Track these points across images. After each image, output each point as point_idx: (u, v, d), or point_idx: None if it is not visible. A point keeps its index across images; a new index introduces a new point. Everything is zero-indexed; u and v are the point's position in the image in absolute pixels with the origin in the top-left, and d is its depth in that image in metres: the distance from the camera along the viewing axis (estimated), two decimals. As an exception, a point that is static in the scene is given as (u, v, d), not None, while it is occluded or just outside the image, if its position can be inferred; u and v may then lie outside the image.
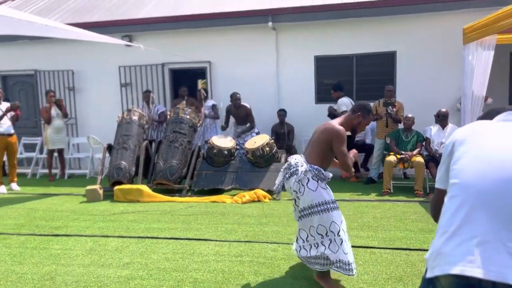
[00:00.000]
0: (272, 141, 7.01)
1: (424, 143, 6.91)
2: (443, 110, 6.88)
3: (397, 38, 7.98)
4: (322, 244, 3.30)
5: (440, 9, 7.52)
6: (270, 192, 6.61)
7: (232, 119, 8.04)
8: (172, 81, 9.29)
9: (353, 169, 3.53)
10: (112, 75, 9.28)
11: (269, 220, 5.39)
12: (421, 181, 6.49)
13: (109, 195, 6.86)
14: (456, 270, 1.45)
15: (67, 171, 8.96)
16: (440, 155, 6.65)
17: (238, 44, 8.72)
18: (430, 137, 6.92)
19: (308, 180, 3.29)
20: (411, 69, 7.95)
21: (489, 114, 1.89)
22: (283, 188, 3.55)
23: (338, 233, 3.27)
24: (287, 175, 3.43)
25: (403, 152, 6.76)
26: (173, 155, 7.01)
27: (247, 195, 6.41)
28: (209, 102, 8.38)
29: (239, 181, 6.83)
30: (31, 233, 5.11)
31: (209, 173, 7.01)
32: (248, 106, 7.82)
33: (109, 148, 7.40)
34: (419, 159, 6.59)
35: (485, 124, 1.74)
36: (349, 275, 3.29)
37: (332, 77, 8.58)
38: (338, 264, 3.28)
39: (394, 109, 7.22)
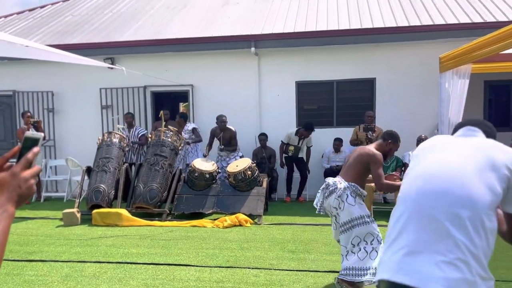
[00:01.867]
0: (254, 165, 7.01)
1: (403, 168, 7.02)
2: (423, 135, 7.03)
3: (377, 66, 8.19)
4: (353, 252, 3.63)
5: (418, 38, 7.78)
6: (251, 216, 6.56)
7: (216, 142, 8.03)
8: (153, 104, 9.26)
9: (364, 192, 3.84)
10: (93, 97, 9.20)
11: (250, 245, 5.33)
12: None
13: (87, 219, 6.69)
14: (389, 276, 1.59)
15: (44, 194, 8.73)
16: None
17: (221, 68, 8.80)
18: (409, 162, 7.01)
19: (347, 196, 3.63)
20: (390, 96, 8.14)
21: (455, 129, 1.98)
22: (321, 207, 3.85)
23: (371, 241, 3.62)
24: (326, 194, 3.76)
25: (383, 176, 6.84)
26: (153, 178, 6.92)
27: (229, 219, 6.35)
28: (189, 126, 8.36)
29: (221, 205, 6.77)
30: (4, 258, 4.91)
31: (190, 197, 6.93)
32: (233, 129, 7.84)
33: (88, 170, 7.27)
34: (399, 183, 6.66)
35: (440, 139, 1.84)
36: (371, 281, 3.55)
37: (313, 102, 8.70)
38: (365, 272, 3.59)
39: (374, 134, 7.34)
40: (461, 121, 1.97)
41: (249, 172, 6.81)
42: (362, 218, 3.63)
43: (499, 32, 5.32)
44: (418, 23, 7.86)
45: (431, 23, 7.80)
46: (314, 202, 3.90)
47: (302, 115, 8.66)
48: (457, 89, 6.71)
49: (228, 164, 7.45)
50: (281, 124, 8.56)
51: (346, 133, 8.05)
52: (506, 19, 7.37)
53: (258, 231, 6.00)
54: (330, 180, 3.82)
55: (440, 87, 7.01)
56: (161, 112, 7.85)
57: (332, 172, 8.01)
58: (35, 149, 1.06)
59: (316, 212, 3.91)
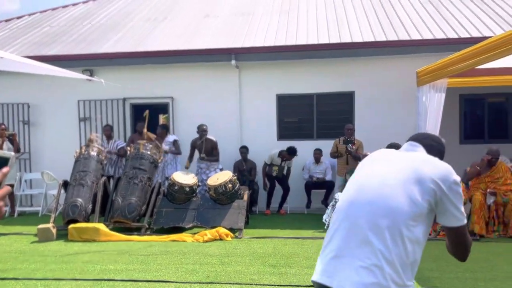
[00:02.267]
0: (235, 178, 6.97)
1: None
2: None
3: (356, 79, 8.30)
4: None
5: (395, 53, 7.94)
6: (232, 230, 6.50)
7: (196, 154, 7.97)
8: (133, 116, 9.15)
9: None
10: (71, 109, 9.04)
11: (231, 259, 5.27)
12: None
13: (63, 234, 6.51)
14: (317, 278, 1.75)
15: (18, 209, 8.48)
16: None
17: (201, 80, 8.78)
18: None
19: None
20: (368, 109, 8.25)
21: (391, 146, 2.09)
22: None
23: None
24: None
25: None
26: (132, 192, 6.80)
27: (209, 233, 6.27)
28: (170, 138, 8.29)
29: (201, 218, 6.69)
30: (-26, 277, 4.72)
31: (169, 211, 6.83)
32: (214, 139, 7.80)
33: (65, 184, 7.10)
34: None
35: (382, 152, 1.96)
36: None
37: (294, 115, 8.75)
38: None
39: (354, 147, 7.41)
40: (411, 136, 2.05)
41: (230, 185, 6.77)
42: None
43: (474, 48, 5.47)
44: (395, 38, 8.03)
45: (408, 38, 7.98)
46: (324, 218, 3.87)
47: (282, 128, 8.69)
48: (434, 103, 6.86)
49: (209, 177, 7.39)
50: (262, 136, 8.57)
51: (326, 145, 8.10)
52: (480, 35, 7.59)
53: (239, 245, 5.94)
54: (338, 195, 3.86)
55: (417, 101, 7.15)
56: (146, 111, 7.73)
57: (313, 184, 8.04)
58: (4, 170, 1.02)
59: (325, 228, 3.86)
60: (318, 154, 8.10)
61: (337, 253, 1.72)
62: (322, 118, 8.55)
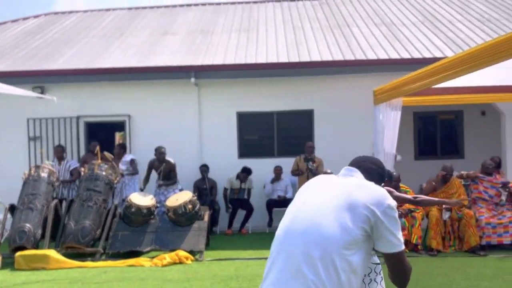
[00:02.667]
0: (195, 198, 6.79)
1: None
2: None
3: (315, 98, 8.41)
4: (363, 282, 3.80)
5: (353, 72, 8.13)
6: (192, 252, 6.30)
7: (154, 175, 7.72)
8: (87, 135, 8.78)
9: None
10: (19, 127, 8.55)
11: (192, 284, 5.07)
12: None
13: (9, 263, 6.05)
14: None
15: (-42, 235, 7.84)
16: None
17: (159, 98, 8.59)
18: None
19: None
20: (327, 127, 8.35)
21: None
22: None
23: (379, 272, 3.69)
24: None
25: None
26: (86, 215, 6.46)
27: (168, 257, 6.04)
28: (127, 157, 8.00)
29: (159, 241, 6.45)
30: None
31: (126, 234, 6.53)
32: (172, 161, 7.59)
33: (12, 208, 6.65)
34: None
35: (318, 179, 1.92)
36: None
37: (254, 132, 8.72)
38: None
39: (314, 165, 7.44)
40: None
41: (190, 206, 6.58)
42: None
43: (427, 68, 5.67)
44: (352, 58, 8.23)
45: (364, 58, 8.20)
46: None
47: (243, 146, 8.63)
48: (390, 120, 7.04)
49: (167, 197, 7.14)
50: (223, 154, 8.45)
51: (287, 163, 8.09)
52: (431, 56, 7.92)
53: (199, 268, 5.75)
54: None
55: (374, 119, 7.32)
56: (97, 148, 7.42)
57: (274, 202, 7.98)
58: None
59: None
60: (278, 170, 8.09)
61: (275, 286, 1.69)
62: (283, 136, 8.57)
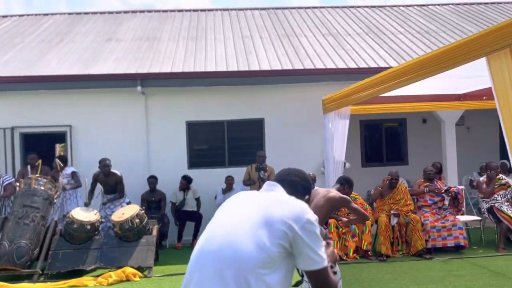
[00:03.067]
0: (143, 211, 6.49)
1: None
2: (311, 174, 7.25)
3: (265, 106, 8.39)
4: None
5: (302, 81, 8.20)
6: (140, 269, 5.99)
7: (99, 188, 7.31)
8: (23, 147, 8.19)
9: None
10: None
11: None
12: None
13: None
14: None
15: None
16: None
17: (104, 107, 8.20)
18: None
19: None
20: (278, 135, 8.34)
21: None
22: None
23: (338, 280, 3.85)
24: None
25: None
26: (22, 234, 5.95)
27: (114, 274, 5.69)
28: (68, 170, 7.52)
29: (104, 259, 6.07)
30: None
31: (67, 252, 6.10)
32: (118, 173, 7.22)
33: None
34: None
35: (240, 195, 1.84)
36: None
37: (205, 142, 8.56)
38: None
39: (266, 174, 7.39)
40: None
41: (137, 220, 6.27)
42: None
43: (374, 78, 5.79)
44: (301, 67, 8.31)
45: (312, 67, 8.30)
46: None
47: (193, 156, 8.42)
48: (339, 129, 7.14)
49: (113, 212, 6.77)
50: (172, 165, 8.19)
51: (238, 172, 7.97)
52: (376, 66, 8.18)
53: (148, 285, 5.47)
54: None
55: (324, 127, 7.39)
56: (39, 161, 6.95)
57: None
58: None
59: None
60: (230, 180, 7.95)
61: None
62: (233, 145, 8.46)
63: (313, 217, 1.64)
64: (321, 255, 1.63)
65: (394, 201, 6.73)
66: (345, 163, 7.51)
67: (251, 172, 7.55)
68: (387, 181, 6.78)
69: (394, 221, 6.49)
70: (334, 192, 4.25)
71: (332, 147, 7.19)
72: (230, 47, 9.50)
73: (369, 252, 6.39)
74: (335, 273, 1.87)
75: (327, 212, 4.19)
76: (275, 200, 1.70)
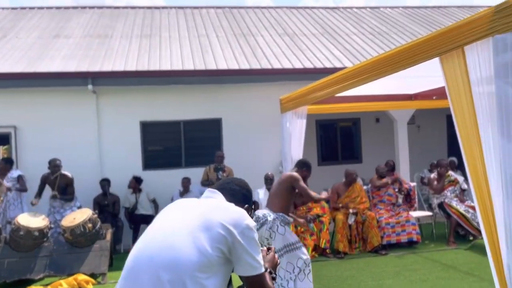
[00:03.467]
0: (96, 215, 6.21)
1: (253, 206, 7.08)
2: (269, 173, 7.26)
3: (222, 106, 8.29)
4: (291, 279, 3.98)
5: (259, 80, 8.17)
6: (94, 275, 5.74)
7: (48, 191, 6.92)
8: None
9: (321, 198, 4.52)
10: None
11: (94, 312, 4.58)
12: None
13: None
14: None
15: None
16: (269, 217, 6.88)
17: (52, 107, 7.80)
18: (258, 200, 7.15)
19: (278, 227, 4.04)
20: (236, 135, 8.28)
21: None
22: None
23: (306, 265, 4.04)
24: (257, 226, 3.95)
25: (234, 217, 6.78)
26: (-39, 243, 5.54)
27: (65, 283, 5.42)
28: (14, 173, 7.08)
29: (54, 266, 5.76)
30: None
31: (13, 261, 5.73)
32: (69, 175, 6.88)
33: None
34: (325, 196, 6.66)
35: (180, 201, 1.85)
36: None
37: (160, 143, 8.35)
38: None
39: (224, 174, 7.30)
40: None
41: (90, 225, 5.99)
42: (291, 245, 4.04)
43: (330, 78, 5.85)
44: (258, 67, 8.28)
45: (269, 67, 8.30)
46: None
47: (148, 157, 8.19)
48: (296, 129, 7.16)
49: (63, 216, 6.43)
50: (126, 167, 7.91)
51: (195, 173, 7.83)
52: (332, 66, 8.30)
53: (102, 293, 5.25)
54: (259, 213, 4.16)
55: (282, 127, 7.40)
56: (1, 149, 6.48)
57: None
58: None
59: None
60: (186, 182, 7.79)
61: None
62: (190, 146, 8.30)
63: (252, 223, 1.67)
64: (259, 261, 1.65)
65: (351, 199, 6.85)
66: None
67: (209, 173, 7.44)
68: (348, 180, 6.88)
69: (351, 219, 6.60)
70: (287, 172, 4.38)
71: (290, 147, 7.20)
72: (186, 46, 9.32)
73: (327, 250, 6.47)
74: (274, 278, 1.88)
75: (286, 196, 4.20)
76: (215, 206, 1.73)
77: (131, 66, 8.08)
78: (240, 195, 1.89)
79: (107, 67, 7.98)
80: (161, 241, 1.63)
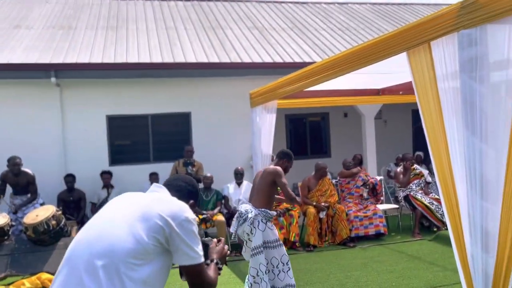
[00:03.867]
0: (60, 212, 6.01)
1: (223, 201, 7.06)
2: (239, 167, 7.23)
3: (192, 100, 8.18)
4: (273, 273, 4.04)
5: (228, 74, 8.10)
6: (58, 274, 5.55)
7: (8, 189, 6.65)
8: None
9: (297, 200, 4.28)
10: None
11: (58, 312, 4.43)
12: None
13: None
14: None
15: None
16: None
17: (11, 100, 7.48)
18: (228, 195, 7.12)
19: (259, 223, 4.03)
20: (206, 130, 8.19)
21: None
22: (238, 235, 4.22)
23: (286, 263, 4.07)
24: (240, 222, 4.10)
25: (204, 212, 6.73)
26: None
27: (28, 282, 5.20)
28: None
29: (16, 265, 5.54)
30: None
31: (-28, 261, 5.48)
32: (30, 172, 6.61)
33: None
34: (220, 217, 6.65)
35: (125, 194, 1.91)
36: None
37: (127, 137, 8.16)
38: None
39: (194, 169, 7.22)
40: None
41: (54, 222, 5.79)
42: (271, 243, 4.04)
43: (299, 72, 5.86)
44: (227, 60, 8.22)
45: (239, 61, 8.25)
46: (231, 229, 4.26)
47: (115, 152, 7.99)
48: (266, 123, 7.15)
49: (25, 214, 6.19)
50: (91, 162, 7.71)
51: (164, 168, 7.71)
52: (301, 61, 8.33)
53: (67, 292, 5.08)
54: (242, 208, 4.19)
55: (251, 121, 7.37)
56: None
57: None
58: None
59: (232, 238, 4.24)
60: (154, 178, 7.65)
61: None
62: (159, 140, 8.16)
63: (191, 216, 1.75)
64: (197, 251, 1.72)
65: (321, 193, 6.92)
66: (273, 157, 7.56)
67: (178, 168, 7.34)
68: (319, 173, 6.94)
69: (322, 214, 6.67)
70: (269, 167, 4.34)
71: (260, 141, 7.19)
72: (154, 38, 9.14)
73: (296, 243, 6.51)
74: (220, 269, 1.94)
75: (269, 192, 4.16)
76: (156, 199, 1.80)
77: (97, 58, 7.85)
78: (185, 191, 1.97)
79: (71, 59, 7.72)
80: (99, 230, 1.69)
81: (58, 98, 7.66)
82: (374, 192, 7.46)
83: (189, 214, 1.75)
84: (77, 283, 1.58)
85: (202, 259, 1.75)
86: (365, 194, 7.23)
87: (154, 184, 1.97)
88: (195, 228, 1.75)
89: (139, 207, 1.73)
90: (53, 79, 7.33)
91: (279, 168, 4.18)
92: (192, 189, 2.03)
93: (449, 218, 2.87)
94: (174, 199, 1.83)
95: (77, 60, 7.70)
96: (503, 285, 2.53)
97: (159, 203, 1.75)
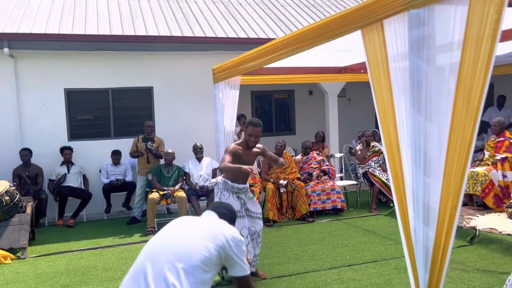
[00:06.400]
0: (14, 188, 5.84)
1: (184, 177, 7.04)
2: (198, 143, 7.21)
3: (154, 74, 8.00)
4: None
5: (192, 49, 7.93)
6: (12, 250, 5.45)
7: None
8: None
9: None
10: None
11: (12, 286, 4.38)
12: (185, 215, 6.52)
13: None
14: None
15: None
16: (200, 187, 6.88)
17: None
18: (189, 171, 7.10)
19: (221, 192, 4.24)
20: (168, 105, 8.06)
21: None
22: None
23: (245, 236, 4.19)
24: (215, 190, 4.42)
25: (165, 188, 6.70)
26: None
27: (-20, 259, 5.10)
28: None
29: (-32, 242, 5.39)
30: None
31: None
32: None
33: None
34: (181, 194, 6.65)
35: (185, 218, 2.43)
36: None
37: (87, 112, 7.94)
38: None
39: (154, 145, 7.14)
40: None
41: (7, 197, 5.63)
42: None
43: (262, 48, 5.82)
44: (191, 34, 8.04)
45: (203, 35, 8.09)
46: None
47: (74, 126, 7.77)
48: (229, 99, 7.09)
49: (-23, 190, 6.00)
50: (49, 137, 7.48)
51: (125, 144, 7.60)
52: (265, 36, 8.25)
53: (22, 268, 5.00)
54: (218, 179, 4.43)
55: (214, 97, 7.31)
56: None
57: (112, 187, 7.41)
58: None
59: None
60: (116, 158, 7.52)
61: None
62: (120, 115, 7.97)
63: (242, 238, 2.32)
64: (247, 265, 2.32)
65: (281, 170, 7.00)
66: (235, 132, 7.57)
67: (138, 143, 7.23)
68: (275, 149, 7.01)
69: (282, 189, 6.77)
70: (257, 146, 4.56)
71: (223, 117, 7.16)
72: (114, 9, 8.81)
73: (257, 219, 6.59)
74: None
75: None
76: (217, 222, 2.37)
77: (53, 29, 7.51)
78: (227, 216, 2.50)
79: (26, 28, 7.36)
80: (176, 239, 2.18)
81: (13, 70, 7.32)
82: (328, 176, 7.51)
83: (241, 237, 2.32)
84: (157, 275, 2.03)
85: (249, 271, 2.33)
86: (314, 175, 7.29)
87: (208, 211, 2.50)
88: (245, 248, 2.32)
89: (207, 227, 2.27)
90: (6, 50, 6.98)
91: (228, 146, 4.46)
92: (233, 216, 2.57)
93: (395, 193, 2.96)
94: (227, 223, 2.38)
95: (32, 30, 7.35)
96: (442, 258, 2.65)
97: (222, 226, 2.31)
